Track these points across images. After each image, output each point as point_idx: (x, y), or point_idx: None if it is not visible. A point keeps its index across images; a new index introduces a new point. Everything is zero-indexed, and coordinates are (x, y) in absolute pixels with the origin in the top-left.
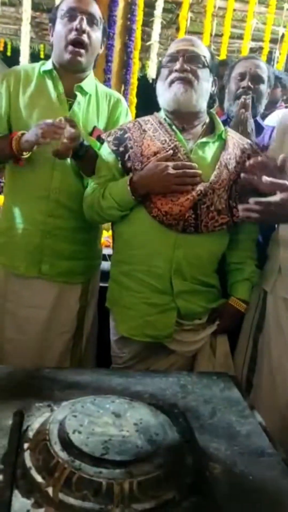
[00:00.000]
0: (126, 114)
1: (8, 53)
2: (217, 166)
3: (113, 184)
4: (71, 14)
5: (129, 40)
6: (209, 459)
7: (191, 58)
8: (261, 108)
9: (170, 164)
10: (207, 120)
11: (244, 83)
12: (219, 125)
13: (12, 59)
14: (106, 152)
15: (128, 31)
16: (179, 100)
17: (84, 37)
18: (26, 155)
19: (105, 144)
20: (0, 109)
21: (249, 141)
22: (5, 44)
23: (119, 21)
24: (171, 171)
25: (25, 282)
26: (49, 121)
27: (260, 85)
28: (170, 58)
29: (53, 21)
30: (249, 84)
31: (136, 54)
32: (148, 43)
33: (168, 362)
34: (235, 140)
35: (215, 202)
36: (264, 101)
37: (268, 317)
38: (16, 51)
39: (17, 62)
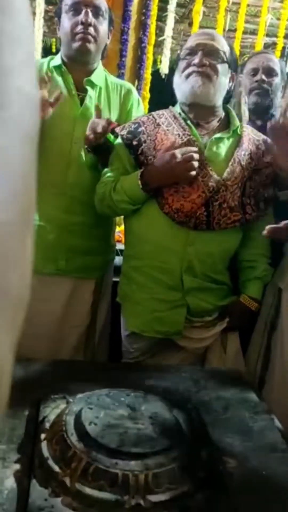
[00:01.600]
0: (138, 104)
1: None
2: (230, 163)
3: (124, 178)
4: (76, 7)
5: (143, 35)
6: (223, 453)
7: (210, 52)
8: (277, 101)
9: (177, 151)
10: (223, 115)
11: (258, 76)
12: (235, 120)
13: None
14: (119, 145)
15: (142, 26)
16: (196, 92)
17: (91, 30)
18: None
19: (119, 137)
20: None
21: (264, 137)
22: None
23: (133, 16)
24: (179, 158)
25: (40, 277)
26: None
27: (274, 77)
28: (189, 51)
29: (58, 15)
30: (263, 77)
31: (150, 49)
32: (161, 38)
33: (178, 359)
34: (250, 136)
35: (227, 199)
36: (280, 94)
37: (282, 314)
38: None
39: None
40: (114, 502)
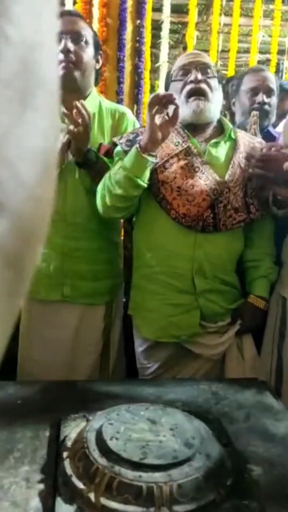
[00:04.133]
0: (134, 126)
1: None
2: (230, 166)
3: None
4: (58, 37)
5: (139, 61)
6: (247, 461)
7: (203, 69)
8: (273, 119)
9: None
10: (216, 122)
11: (259, 98)
12: (227, 125)
13: None
14: (119, 152)
15: (137, 53)
16: (198, 116)
17: (71, 57)
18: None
19: (118, 147)
20: None
21: (259, 139)
22: None
23: (128, 44)
24: (152, 109)
25: (48, 305)
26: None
27: (272, 98)
28: (183, 71)
29: None
30: (264, 98)
31: (146, 75)
32: (157, 65)
33: (195, 367)
34: (245, 140)
35: (231, 200)
36: (274, 112)
37: None
38: None
39: None
40: None
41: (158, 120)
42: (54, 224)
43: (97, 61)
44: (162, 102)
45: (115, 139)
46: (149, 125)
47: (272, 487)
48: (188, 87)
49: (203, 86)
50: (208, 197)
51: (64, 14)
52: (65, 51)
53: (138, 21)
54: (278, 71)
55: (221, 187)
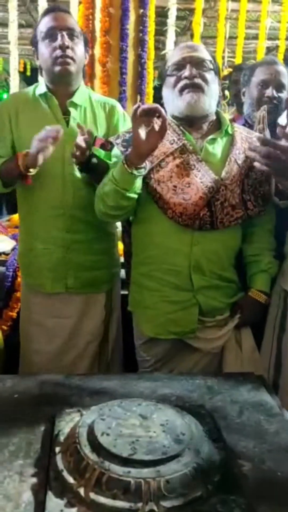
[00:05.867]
0: (124, 119)
1: (28, 73)
2: (227, 162)
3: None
4: (51, 33)
5: (142, 51)
6: (237, 457)
7: (198, 63)
8: (282, 114)
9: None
10: (214, 118)
11: (269, 92)
12: (225, 120)
13: (32, 79)
14: (116, 154)
15: (141, 43)
16: (193, 108)
17: (69, 52)
18: (33, 172)
19: (115, 147)
20: (5, 138)
21: (257, 134)
22: (25, 65)
23: (131, 34)
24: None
25: (52, 297)
26: (43, 131)
27: (283, 92)
28: (176, 66)
29: (35, 44)
30: (274, 93)
31: (150, 64)
32: (163, 52)
33: (194, 360)
34: (243, 135)
35: (228, 197)
36: (285, 106)
37: None
38: (35, 71)
39: (36, 81)
40: (128, 509)
41: (143, 133)
42: (54, 218)
43: (85, 57)
44: (147, 114)
45: (111, 139)
46: (134, 139)
47: (261, 482)
48: (182, 83)
49: (198, 81)
50: (204, 196)
51: (55, 9)
52: (64, 47)
53: (141, 11)
54: (287, 58)
55: (217, 185)
